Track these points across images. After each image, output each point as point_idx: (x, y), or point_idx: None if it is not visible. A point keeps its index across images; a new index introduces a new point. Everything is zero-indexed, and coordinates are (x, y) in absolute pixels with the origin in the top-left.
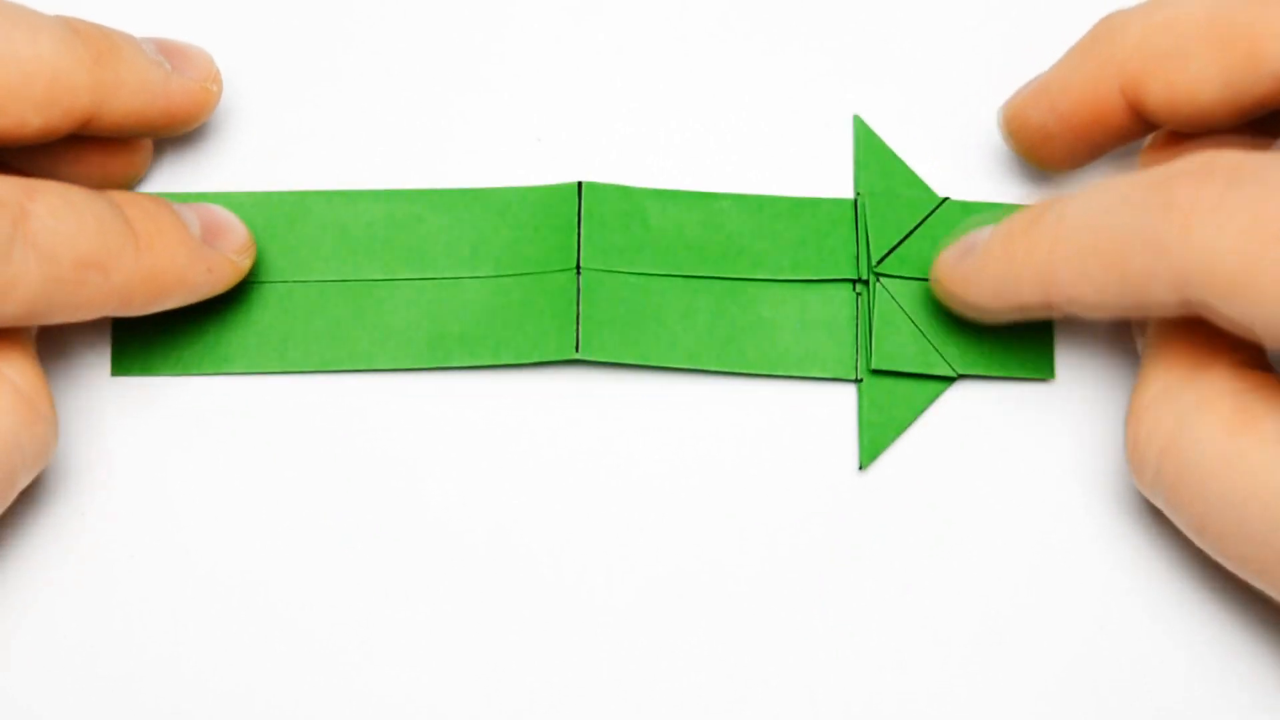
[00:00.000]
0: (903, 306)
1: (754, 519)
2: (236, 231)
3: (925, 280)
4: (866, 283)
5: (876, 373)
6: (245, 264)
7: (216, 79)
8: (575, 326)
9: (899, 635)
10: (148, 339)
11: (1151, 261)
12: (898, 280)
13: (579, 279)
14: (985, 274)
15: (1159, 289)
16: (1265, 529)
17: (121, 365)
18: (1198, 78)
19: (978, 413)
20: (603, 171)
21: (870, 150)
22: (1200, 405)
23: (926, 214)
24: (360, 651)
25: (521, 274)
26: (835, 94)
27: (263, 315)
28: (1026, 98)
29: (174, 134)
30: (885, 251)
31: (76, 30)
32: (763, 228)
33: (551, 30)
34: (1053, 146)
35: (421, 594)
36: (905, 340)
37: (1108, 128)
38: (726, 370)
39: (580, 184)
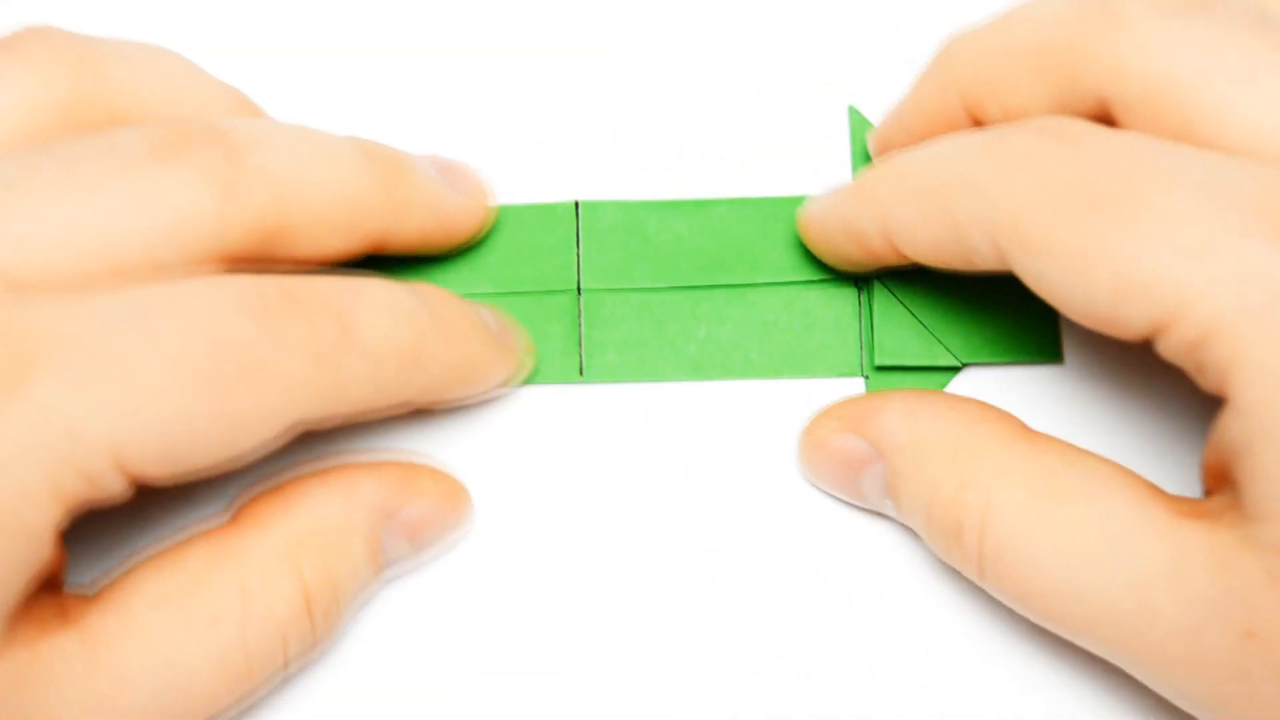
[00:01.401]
0: (903, 300)
1: (766, 514)
2: (524, 333)
3: (925, 271)
4: (868, 279)
5: (882, 368)
6: (530, 364)
7: (489, 194)
8: (578, 350)
9: (913, 621)
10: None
11: (973, 206)
12: (897, 275)
13: (580, 301)
14: (836, 211)
15: (977, 234)
16: (1085, 583)
17: None
18: (1027, 100)
19: (987, 399)
20: (598, 177)
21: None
22: (1000, 476)
23: None
24: (362, 650)
25: (520, 293)
26: (830, 88)
27: None
28: (885, 124)
29: (446, 251)
30: None
31: (369, 154)
32: (761, 230)
33: (545, 32)
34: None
35: (425, 600)
36: (907, 334)
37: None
38: (732, 378)
39: (577, 203)
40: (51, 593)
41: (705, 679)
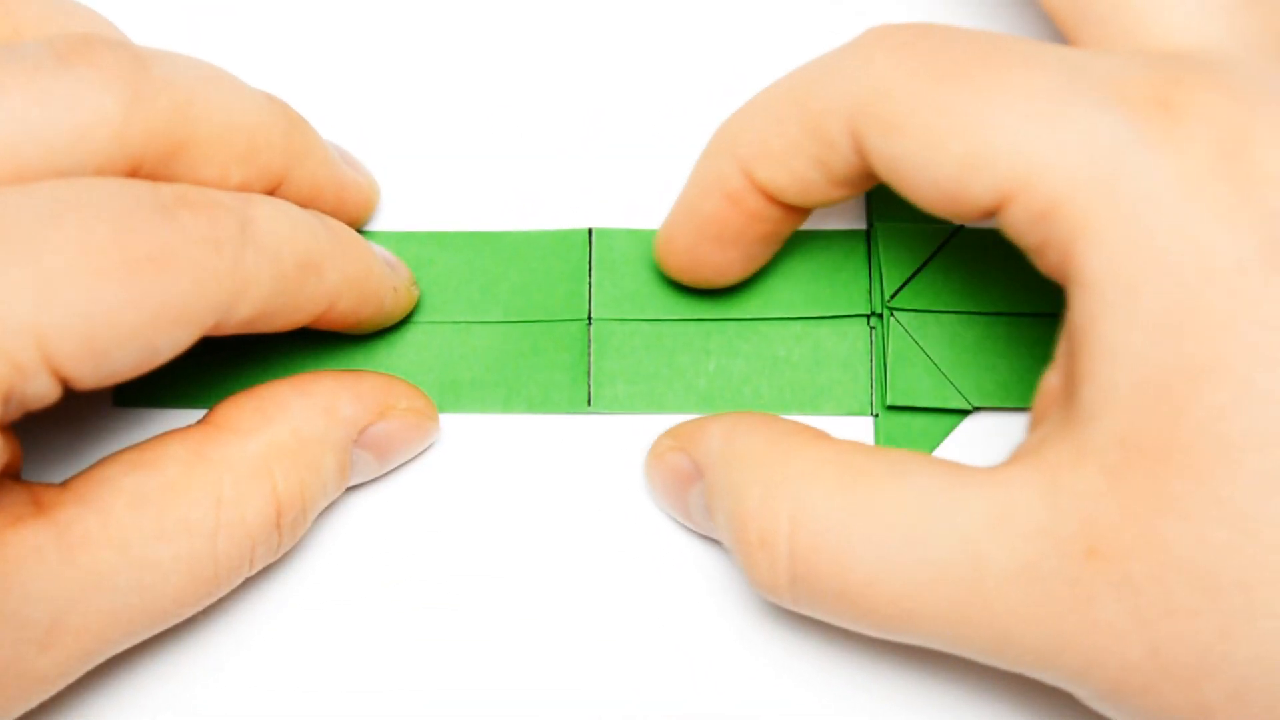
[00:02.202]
0: (917, 340)
1: None
2: (404, 267)
3: (940, 313)
4: (880, 316)
5: (892, 408)
6: (416, 294)
7: (376, 185)
8: (587, 380)
9: (914, 661)
10: (151, 370)
11: (828, 92)
12: (911, 313)
13: (590, 330)
14: (689, 184)
15: (834, 124)
16: (908, 558)
17: (125, 395)
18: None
19: (996, 443)
20: (612, 203)
21: None
22: (807, 476)
23: (941, 244)
24: (362, 683)
25: (531, 321)
26: None
27: (270, 353)
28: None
29: (346, 220)
30: (899, 284)
31: (273, 99)
32: (775, 263)
33: (562, 57)
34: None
35: (429, 611)
36: (920, 374)
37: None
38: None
39: (590, 230)
40: (19, 482)
41: (703, 701)
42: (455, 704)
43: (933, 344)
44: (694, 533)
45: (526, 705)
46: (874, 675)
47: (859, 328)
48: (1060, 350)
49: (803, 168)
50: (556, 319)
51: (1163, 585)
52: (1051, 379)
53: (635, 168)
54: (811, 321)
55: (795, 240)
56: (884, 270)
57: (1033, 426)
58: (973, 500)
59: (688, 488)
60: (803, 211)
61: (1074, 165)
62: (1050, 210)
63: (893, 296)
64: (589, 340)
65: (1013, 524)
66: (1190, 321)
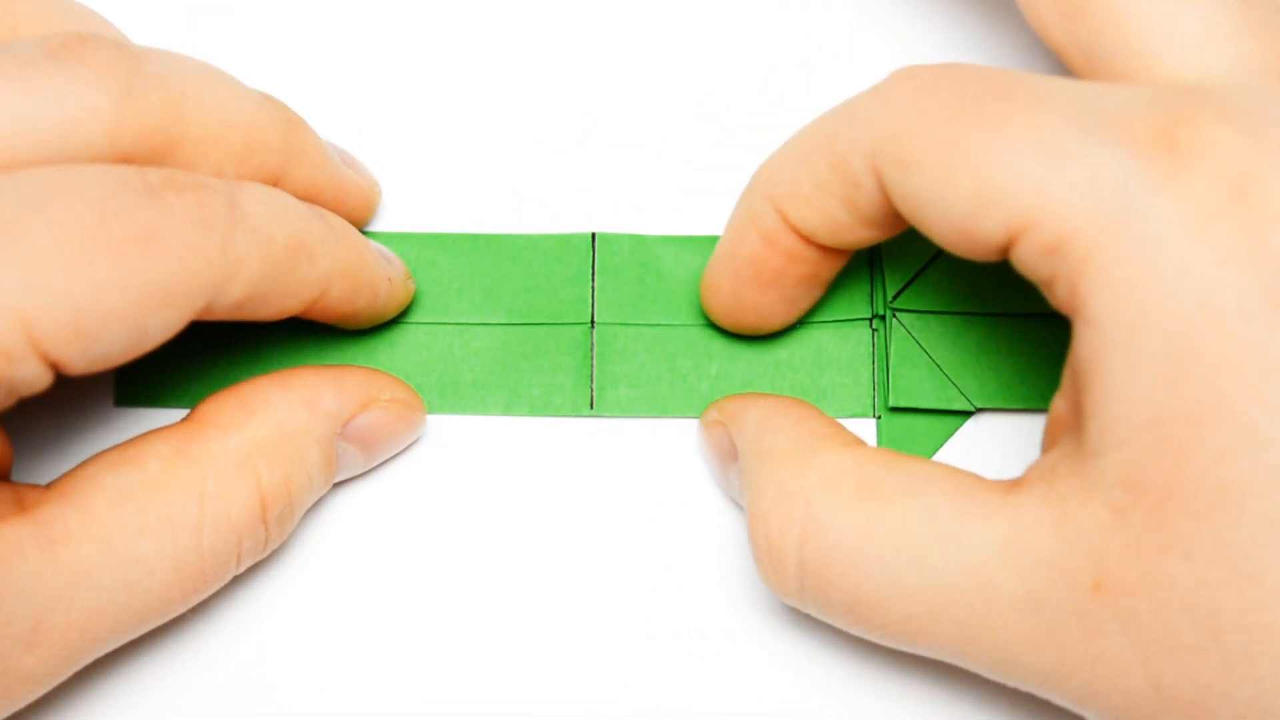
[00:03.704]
0: (919, 342)
1: None
2: (399, 260)
3: (942, 314)
4: (883, 318)
5: (895, 409)
6: (412, 288)
7: (377, 186)
8: (590, 383)
9: (918, 665)
10: (152, 370)
11: (853, 133)
12: (914, 315)
13: (593, 334)
14: (728, 231)
15: (857, 162)
16: (917, 580)
17: (126, 396)
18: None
19: (998, 445)
20: (615, 207)
21: None
22: (823, 486)
23: None
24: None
25: (534, 324)
26: None
27: (272, 352)
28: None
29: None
30: (901, 286)
31: (269, 98)
32: None
33: (568, 62)
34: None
35: (430, 616)
36: (923, 376)
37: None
38: None
39: (594, 235)
40: (4, 482)
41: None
42: (455, 704)
43: (935, 345)
44: (695, 535)
45: (523, 706)
46: (875, 680)
47: (861, 330)
48: (1066, 380)
49: (832, 207)
50: (559, 322)
51: (1166, 622)
52: (1060, 405)
53: (637, 168)
54: (814, 325)
55: None
56: (886, 272)
57: (1045, 447)
58: (984, 527)
59: (728, 464)
60: (840, 253)
61: (1080, 202)
62: (1058, 246)
63: (895, 298)
64: (592, 344)
65: (1022, 554)
66: (1192, 363)
